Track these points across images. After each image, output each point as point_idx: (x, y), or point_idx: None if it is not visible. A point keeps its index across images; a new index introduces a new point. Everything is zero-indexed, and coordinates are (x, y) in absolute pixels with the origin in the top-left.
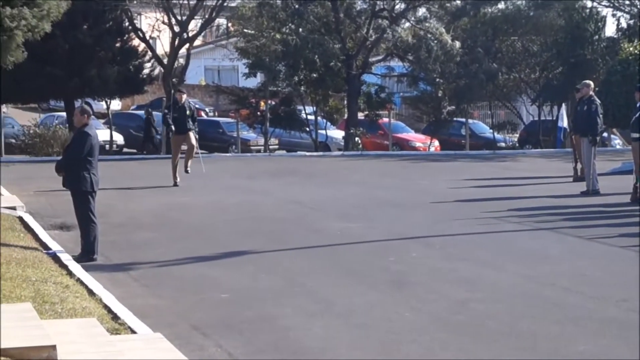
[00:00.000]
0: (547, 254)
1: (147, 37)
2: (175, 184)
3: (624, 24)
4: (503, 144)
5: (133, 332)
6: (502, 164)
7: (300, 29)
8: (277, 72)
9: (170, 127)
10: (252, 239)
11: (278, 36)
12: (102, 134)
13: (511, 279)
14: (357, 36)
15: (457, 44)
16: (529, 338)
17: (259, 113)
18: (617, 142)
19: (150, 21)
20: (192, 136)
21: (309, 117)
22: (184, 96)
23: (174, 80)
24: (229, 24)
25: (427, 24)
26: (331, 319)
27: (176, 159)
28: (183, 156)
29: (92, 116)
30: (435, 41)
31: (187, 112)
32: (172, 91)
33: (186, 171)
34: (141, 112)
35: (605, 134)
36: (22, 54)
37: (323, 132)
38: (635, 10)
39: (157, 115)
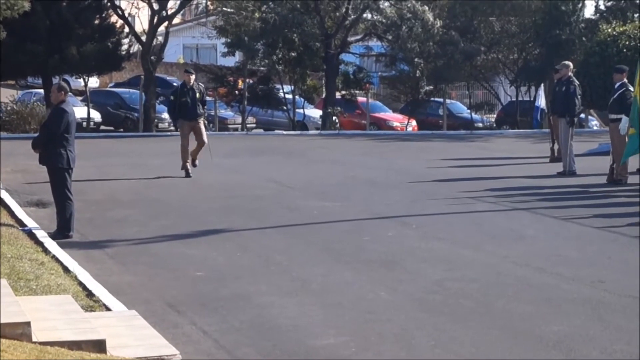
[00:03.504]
0: (522, 234)
1: (126, 15)
2: (188, 175)
3: (602, 7)
4: (480, 124)
5: (108, 309)
6: (480, 144)
7: (280, 8)
8: (256, 51)
9: (175, 121)
10: (229, 217)
11: (257, 15)
12: (80, 111)
13: (487, 258)
14: (336, 15)
15: (439, 22)
16: (504, 317)
17: (236, 91)
18: (595, 123)
19: None
20: (203, 129)
21: (287, 96)
22: (193, 77)
23: (152, 57)
24: (208, 2)
25: (406, 3)
26: (306, 298)
27: (186, 148)
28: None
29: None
30: (417, 21)
31: (197, 95)
32: (151, 69)
33: (194, 165)
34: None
35: (582, 115)
36: (1, 33)
37: (301, 111)
38: None
39: (133, 92)
